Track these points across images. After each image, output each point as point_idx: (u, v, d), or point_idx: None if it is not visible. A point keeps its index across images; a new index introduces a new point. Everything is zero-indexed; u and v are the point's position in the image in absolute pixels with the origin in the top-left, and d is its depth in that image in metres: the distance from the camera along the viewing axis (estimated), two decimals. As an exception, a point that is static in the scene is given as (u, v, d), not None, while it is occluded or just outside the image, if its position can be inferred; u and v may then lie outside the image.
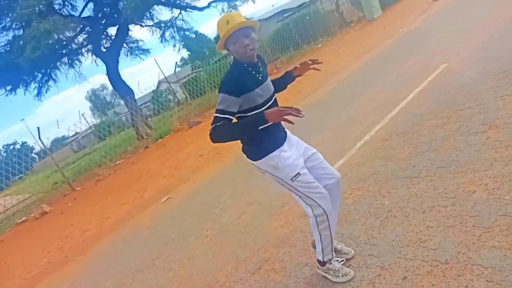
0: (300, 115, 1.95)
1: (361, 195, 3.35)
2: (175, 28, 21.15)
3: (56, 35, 16.46)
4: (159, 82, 25.83)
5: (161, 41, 21.21)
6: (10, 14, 15.73)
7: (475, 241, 2.15)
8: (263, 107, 2.23)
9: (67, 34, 17.69)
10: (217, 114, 2.11)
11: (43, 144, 12.54)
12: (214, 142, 2.11)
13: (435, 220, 2.50)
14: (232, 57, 2.28)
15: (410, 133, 4.08)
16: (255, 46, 2.18)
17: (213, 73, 17.03)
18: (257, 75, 2.23)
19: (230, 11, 23.47)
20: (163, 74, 18.38)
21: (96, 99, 72.26)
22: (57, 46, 17.58)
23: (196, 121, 13.06)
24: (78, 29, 17.99)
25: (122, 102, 21.12)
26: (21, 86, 18.21)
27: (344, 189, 3.63)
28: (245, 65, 2.21)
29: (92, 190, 11.04)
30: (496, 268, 1.92)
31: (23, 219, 10.86)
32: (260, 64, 2.30)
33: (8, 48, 16.54)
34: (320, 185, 2.34)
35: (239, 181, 5.55)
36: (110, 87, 20.77)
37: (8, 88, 17.78)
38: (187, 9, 19.90)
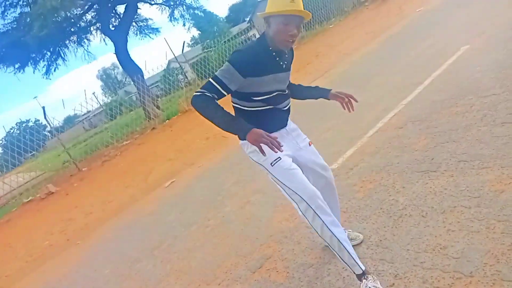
0: (276, 150, 1.83)
1: (373, 189, 3.08)
2: (184, 7, 20.68)
3: (63, 13, 16.18)
4: (169, 62, 25.48)
5: (170, 20, 20.79)
6: (16, -10, 15.45)
7: (505, 251, 1.88)
8: (265, 96, 2.08)
9: (75, 11, 17.40)
10: (213, 81, 1.93)
11: (48, 123, 12.43)
12: (193, 105, 1.93)
13: (457, 223, 2.22)
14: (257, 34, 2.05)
15: (428, 121, 3.76)
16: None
17: (223, 53, 16.64)
18: (280, 62, 2.07)
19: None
20: (172, 53, 18.02)
21: (107, 78, 72.29)
22: (65, 24, 17.32)
23: (204, 103, 12.76)
24: (86, 7, 17.66)
25: (133, 81, 20.89)
26: (29, 64, 18.07)
27: (354, 181, 3.36)
28: (270, 48, 2.01)
29: (98, 171, 10.94)
30: (531, 287, 1.65)
31: (29, 198, 10.83)
32: (287, 54, 2.13)
33: (15, 25, 16.30)
34: (303, 176, 2.11)
35: (244, 167, 5.30)
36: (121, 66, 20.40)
37: (17, 66, 17.64)
38: (196, -13, 19.39)
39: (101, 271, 4.34)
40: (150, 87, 20.30)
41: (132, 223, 5.53)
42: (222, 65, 1.95)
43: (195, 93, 1.92)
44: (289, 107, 2.29)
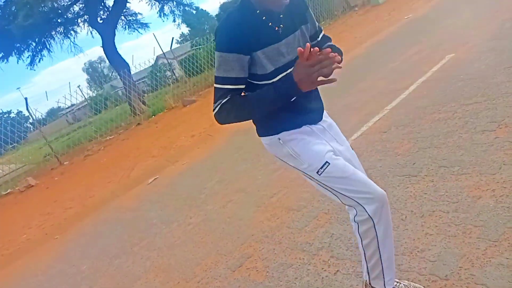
0: (337, 66, 1.39)
1: (355, 192, 3.10)
2: (174, 2, 20.57)
3: (50, 3, 15.91)
4: (157, 58, 25.28)
5: (160, 15, 20.70)
6: (1, -22, 15.13)
7: (479, 256, 1.91)
8: (272, 78, 1.53)
9: (62, 2, 17.14)
10: (220, 86, 1.48)
11: (31, 115, 12.19)
12: (221, 124, 1.56)
13: (435, 227, 2.26)
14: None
15: (411, 127, 3.81)
16: None
17: (212, 51, 16.56)
18: (275, 27, 1.51)
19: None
20: (161, 49, 17.87)
21: (93, 72, 71.30)
22: (51, 15, 17.05)
23: (191, 100, 12.72)
24: (74, -2, 17.41)
25: (120, 76, 20.57)
26: (13, 54, 17.72)
27: (337, 183, 3.38)
28: (258, 11, 1.48)
29: (80, 165, 10.77)
30: (504, 291, 1.68)
31: (8, 191, 10.58)
32: (285, 12, 1.52)
33: (-1, 14, 15.97)
34: (366, 178, 1.63)
35: (228, 166, 5.30)
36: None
37: (0, 55, 17.28)
38: (187, -16, 19.27)
39: (78, 267, 4.27)
40: (137, 83, 20.11)
41: (112, 219, 5.46)
42: (215, 59, 1.49)
43: (213, 112, 1.53)
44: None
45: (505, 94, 3.51)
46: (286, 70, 1.54)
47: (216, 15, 44.26)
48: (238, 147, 5.95)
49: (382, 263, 1.67)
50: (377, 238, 1.62)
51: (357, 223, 1.63)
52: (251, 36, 1.46)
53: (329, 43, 1.81)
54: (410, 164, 3.12)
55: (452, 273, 1.89)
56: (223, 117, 1.52)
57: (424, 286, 1.87)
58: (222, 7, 46.84)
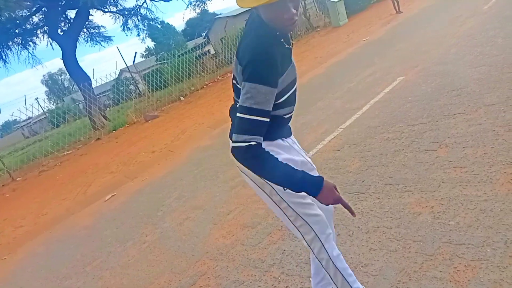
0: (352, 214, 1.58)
1: (308, 208, 3.18)
2: (138, 17, 20.38)
3: (7, 13, 15.36)
4: (121, 71, 24.87)
5: (123, 29, 20.34)
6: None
7: (416, 270, 2.03)
8: (286, 95, 1.58)
9: (20, 13, 16.58)
10: (252, 116, 1.40)
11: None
12: (237, 160, 1.45)
13: (379, 243, 2.37)
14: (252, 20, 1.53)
15: (362, 145, 3.98)
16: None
17: (177, 66, 16.52)
18: (290, 48, 1.58)
19: (198, 5, 22.96)
20: (125, 63, 17.68)
21: (53, 84, 68.89)
22: (8, 25, 16.43)
23: (153, 115, 12.58)
24: (34, 9, 16.89)
25: (81, 88, 19.85)
26: (-34, 64, 16.88)
27: (291, 200, 3.46)
28: (278, 33, 1.49)
29: (34, 181, 10.31)
30: (435, 303, 1.79)
31: (-47, 209, 9.95)
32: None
33: (-48, 23, 15.22)
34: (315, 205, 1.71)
35: (187, 183, 5.28)
36: (69, 72, 19.46)
37: (-49, 65, 16.43)
38: (152, -2, 19.21)
39: (26, 289, 4.08)
40: (99, 96, 19.62)
41: (65, 237, 5.26)
42: (246, 90, 1.41)
43: (239, 145, 1.40)
44: None
45: (447, 116, 3.76)
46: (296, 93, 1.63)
47: (183, 31, 44.32)
48: (198, 163, 5.95)
49: (343, 275, 1.75)
50: (331, 259, 1.73)
51: (309, 247, 1.73)
52: (281, 66, 1.48)
53: None
54: (360, 181, 3.25)
55: (391, 286, 1.99)
56: (247, 157, 1.42)
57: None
58: (188, 23, 47.00)
